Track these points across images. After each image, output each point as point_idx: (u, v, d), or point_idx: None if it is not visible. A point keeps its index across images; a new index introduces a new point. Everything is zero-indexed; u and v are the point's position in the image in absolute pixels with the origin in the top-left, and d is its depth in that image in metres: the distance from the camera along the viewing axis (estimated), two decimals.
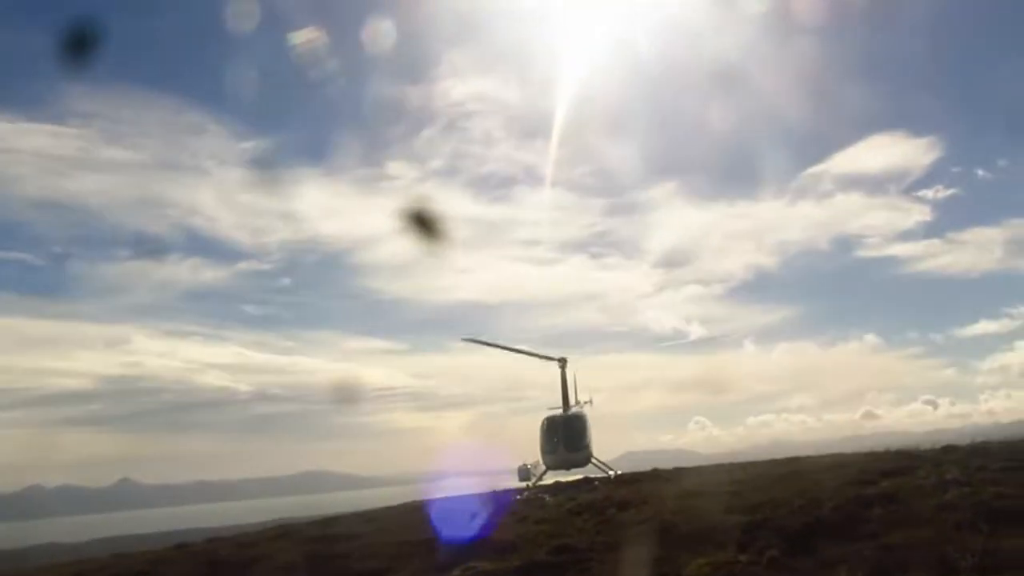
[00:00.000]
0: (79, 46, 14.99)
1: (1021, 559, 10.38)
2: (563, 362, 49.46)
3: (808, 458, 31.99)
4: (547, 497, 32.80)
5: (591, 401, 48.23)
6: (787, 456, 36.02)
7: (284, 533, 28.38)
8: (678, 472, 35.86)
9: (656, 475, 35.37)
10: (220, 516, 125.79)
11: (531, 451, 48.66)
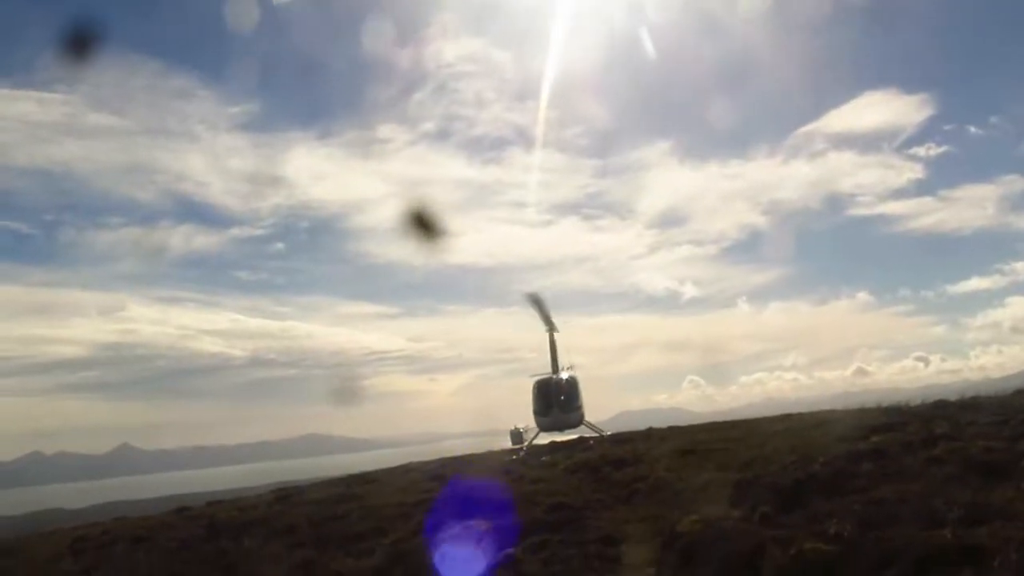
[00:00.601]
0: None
1: (1008, 511, 10.57)
2: (552, 329, 49.60)
3: (799, 415, 32.30)
4: (544, 457, 33.13)
5: (572, 367, 48.46)
6: (779, 414, 36.37)
7: (283, 496, 28.66)
8: (672, 431, 36.18)
9: (650, 434, 35.74)
10: (218, 481, 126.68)
11: (524, 413, 49.03)
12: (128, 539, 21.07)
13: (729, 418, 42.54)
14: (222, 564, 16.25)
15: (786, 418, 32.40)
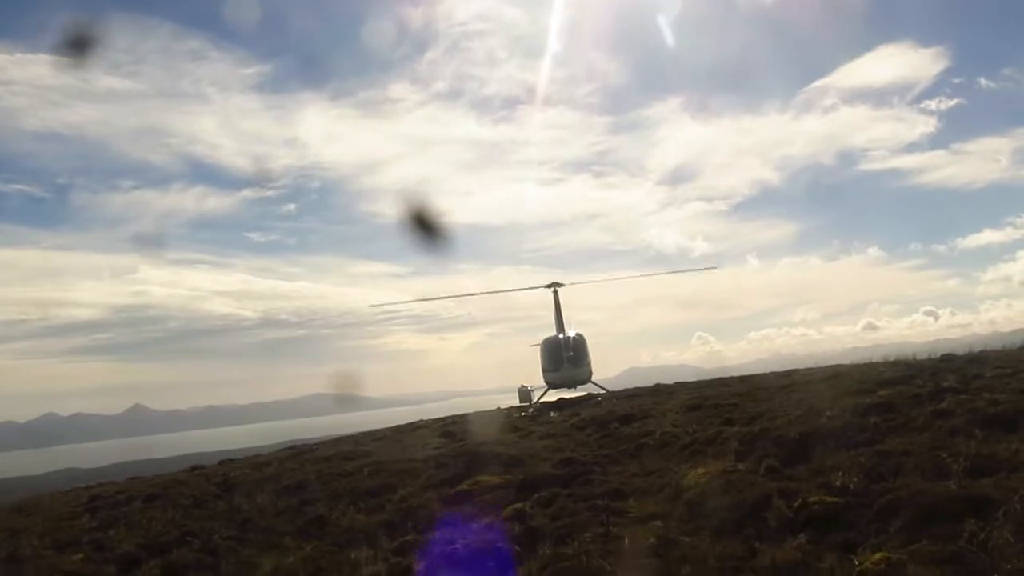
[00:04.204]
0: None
1: (1013, 462, 10.63)
2: (555, 286, 49.86)
3: (807, 370, 32.36)
4: (552, 413, 33.37)
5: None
6: (787, 369, 36.47)
7: (294, 454, 29.01)
8: (679, 386, 36.32)
9: (658, 390, 35.89)
10: (230, 440, 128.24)
11: (534, 370, 49.33)
12: (143, 497, 21.39)
13: (737, 374, 42.71)
14: (236, 520, 16.49)
15: (793, 373, 32.49)
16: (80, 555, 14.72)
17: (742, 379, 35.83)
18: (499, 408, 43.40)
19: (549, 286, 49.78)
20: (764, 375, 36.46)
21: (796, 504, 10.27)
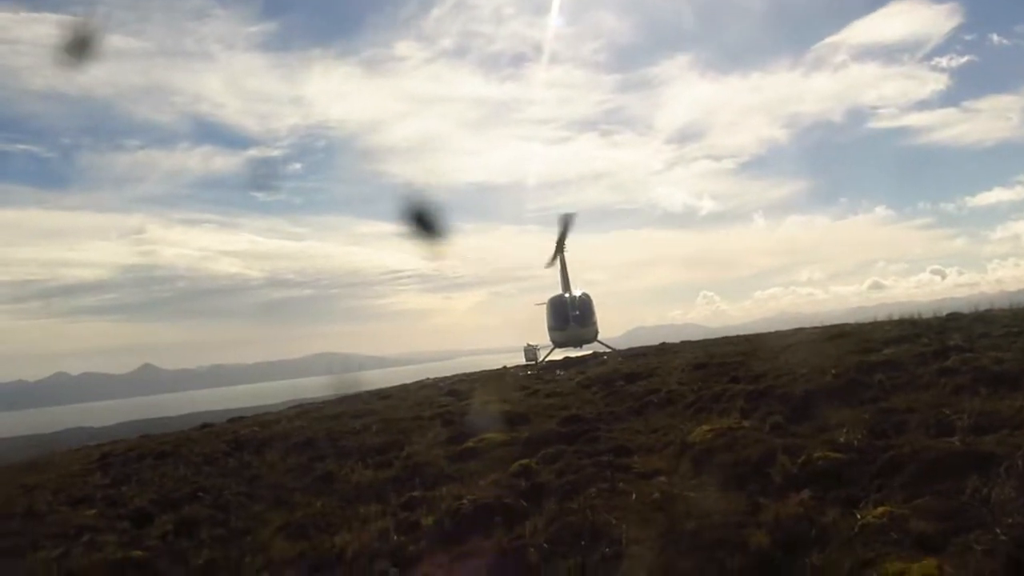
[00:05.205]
0: None
1: (1016, 419, 10.67)
2: (562, 245, 49.79)
3: (813, 328, 32.37)
4: (558, 372, 33.54)
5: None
6: (793, 328, 36.50)
7: (302, 412, 29.28)
8: (685, 345, 36.42)
9: (663, 349, 36.01)
10: (238, 399, 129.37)
11: (540, 330, 49.52)
12: (154, 454, 21.67)
13: (742, 333, 42.79)
14: (246, 476, 16.73)
15: (799, 332, 32.52)
16: (93, 511, 14.98)
17: (748, 338, 35.89)
18: (505, 367, 43.69)
19: (556, 244, 49.61)
20: (770, 334, 36.51)
21: (800, 460, 10.36)
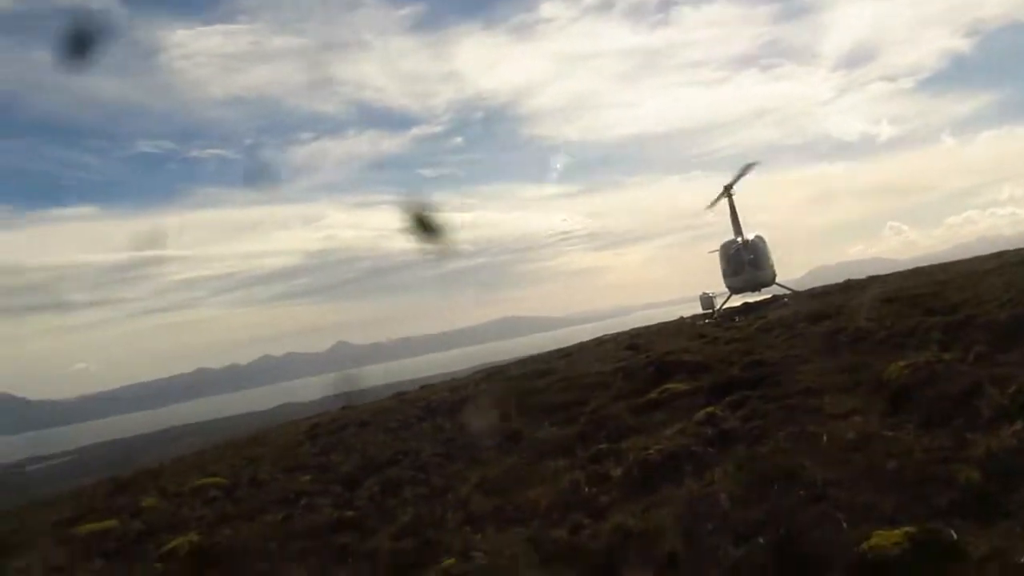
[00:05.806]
0: None
1: None
2: (729, 190, 48.25)
3: (1016, 251, 29.76)
4: (736, 318, 32.78)
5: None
6: (994, 251, 33.72)
7: (488, 375, 30.34)
8: (872, 280, 34.50)
9: (848, 286, 34.29)
10: (427, 367, 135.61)
11: (714, 279, 48.40)
12: (356, 424, 23.27)
13: (936, 263, 39.99)
14: (440, 439, 17.62)
15: (1001, 256, 29.97)
16: (308, 477, 16.38)
17: (942, 267, 33.50)
18: (682, 318, 43.10)
19: (724, 188, 48.34)
20: (968, 260, 33.89)
21: (1011, 390, 9.65)
